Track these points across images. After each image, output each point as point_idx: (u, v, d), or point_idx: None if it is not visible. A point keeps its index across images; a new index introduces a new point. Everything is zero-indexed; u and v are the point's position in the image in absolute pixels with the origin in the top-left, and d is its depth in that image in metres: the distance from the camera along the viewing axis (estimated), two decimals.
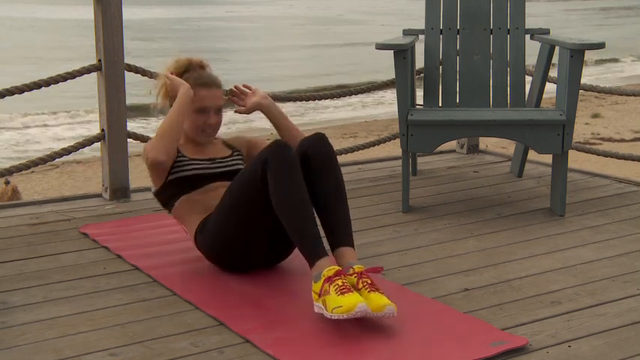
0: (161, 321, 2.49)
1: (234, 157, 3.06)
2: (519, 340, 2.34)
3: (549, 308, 2.60)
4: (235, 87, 3.12)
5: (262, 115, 3.09)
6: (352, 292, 2.41)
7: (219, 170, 2.98)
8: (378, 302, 2.41)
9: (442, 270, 2.96)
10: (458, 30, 4.16)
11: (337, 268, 2.50)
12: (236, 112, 3.11)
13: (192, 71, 3.02)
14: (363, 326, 2.42)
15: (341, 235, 2.67)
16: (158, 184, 2.99)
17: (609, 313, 2.57)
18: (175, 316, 2.53)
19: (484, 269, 2.97)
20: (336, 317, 2.37)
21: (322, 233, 2.65)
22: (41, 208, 3.79)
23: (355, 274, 2.51)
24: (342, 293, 2.40)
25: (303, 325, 2.44)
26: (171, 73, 3.02)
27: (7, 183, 6.69)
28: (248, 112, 3.08)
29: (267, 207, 2.65)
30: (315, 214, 2.69)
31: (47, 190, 7.96)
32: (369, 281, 2.50)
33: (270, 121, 3.09)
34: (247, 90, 3.11)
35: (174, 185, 2.95)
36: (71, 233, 3.39)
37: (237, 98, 3.11)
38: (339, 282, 2.44)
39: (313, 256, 2.56)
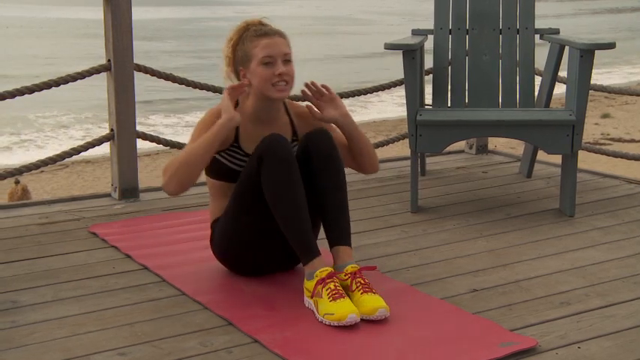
0: (170, 320, 2.50)
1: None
2: (528, 341, 2.33)
3: (559, 309, 2.59)
4: (313, 83, 2.79)
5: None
6: (344, 297, 2.43)
7: None
8: (370, 305, 2.44)
9: (451, 270, 2.95)
10: (467, 30, 4.15)
11: (330, 269, 2.51)
12: (308, 108, 2.83)
13: (250, 29, 2.74)
14: (371, 326, 2.42)
15: (338, 234, 2.65)
16: None
17: (619, 315, 2.55)
18: (184, 316, 2.53)
19: (493, 270, 2.96)
20: (326, 323, 2.42)
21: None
22: (50, 207, 3.80)
23: (349, 276, 2.52)
24: (334, 299, 2.43)
25: (311, 325, 2.44)
26: (232, 40, 2.75)
27: (16, 183, 6.71)
28: (322, 120, 2.80)
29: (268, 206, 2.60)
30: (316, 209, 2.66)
31: (56, 190, 7.98)
32: (363, 281, 2.51)
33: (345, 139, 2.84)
34: (325, 92, 2.79)
35: (217, 162, 2.74)
36: (80, 233, 3.39)
37: (312, 95, 2.80)
38: (332, 285, 2.46)
39: (306, 255, 2.56)
